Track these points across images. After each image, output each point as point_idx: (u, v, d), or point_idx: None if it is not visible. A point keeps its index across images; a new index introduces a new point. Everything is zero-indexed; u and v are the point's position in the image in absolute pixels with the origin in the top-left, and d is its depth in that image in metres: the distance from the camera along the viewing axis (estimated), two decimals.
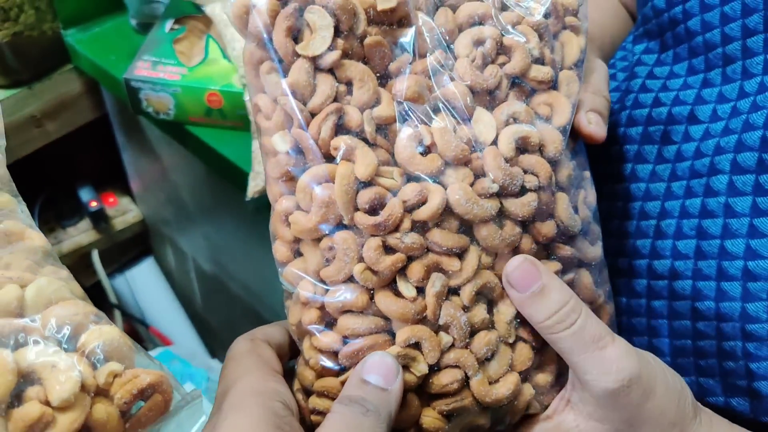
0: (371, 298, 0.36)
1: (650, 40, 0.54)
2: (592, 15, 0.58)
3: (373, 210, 0.36)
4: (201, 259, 1.22)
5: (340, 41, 0.36)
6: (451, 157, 0.37)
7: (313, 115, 0.36)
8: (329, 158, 0.36)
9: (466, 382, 0.37)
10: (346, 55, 0.36)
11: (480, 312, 0.37)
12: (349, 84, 0.37)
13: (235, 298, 1.17)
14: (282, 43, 0.35)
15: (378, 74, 0.38)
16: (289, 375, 0.40)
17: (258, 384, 0.36)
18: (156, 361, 0.33)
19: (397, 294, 0.36)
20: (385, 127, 0.37)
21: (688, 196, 0.46)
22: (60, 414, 0.29)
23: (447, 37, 0.39)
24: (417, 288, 0.36)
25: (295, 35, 0.36)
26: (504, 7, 0.40)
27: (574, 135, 0.43)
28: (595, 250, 0.43)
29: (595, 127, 0.43)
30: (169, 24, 0.91)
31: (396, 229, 0.35)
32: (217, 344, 1.37)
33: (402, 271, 0.36)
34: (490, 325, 0.38)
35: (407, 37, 0.38)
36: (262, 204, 0.80)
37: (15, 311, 0.31)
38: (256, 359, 0.38)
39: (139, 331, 1.36)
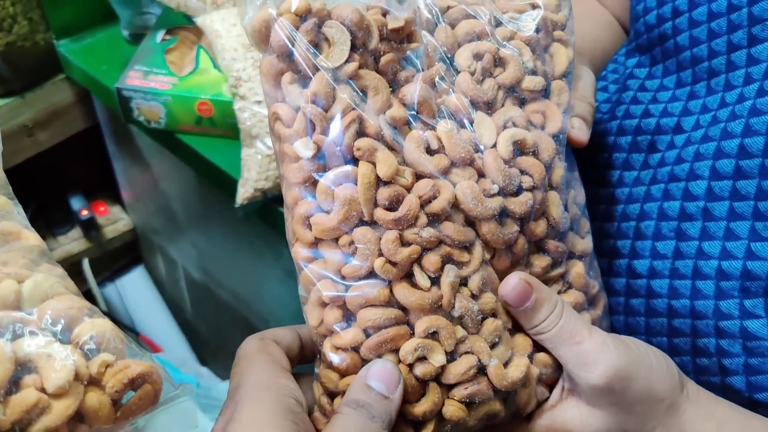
0: (391, 292, 0.38)
1: (641, 54, 0.56)
2: (586, 28, 0.61)
3: (391, 207, 0.38)
4: (191, 267, 1.23)
5: (356, 55, 0.39)
6: (458, 157, 0.40)
7: (335, 121, 0.38)
8: (352, 161, 0.38)
9: (480, 368, 0.39)
10: (361, 68, 0.39)
11: (489, 300, 0.40)
12: (363, 92, 0.39)
13: (224, 305, 1.18)
14: (305, 55, 0.38)
15: (390, 85, 0.40)
16: (300, 380, 0.41)
17: (271, 380, 0.37)
18: (147, 354, 0.35)
19: (414, 286, 0.38)
20: (398, 130, 0.40)
21: (665, 198, 0.48)
22: (55, 401, 0.30)
23: (447, 52, 0.42)
24: (432, 279, 0.39)
25: (315, 47, 0.39)
26: (498, 24, 0.43)
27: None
28: (584, 243, 0.46)
29: (578, 132, 0.46)
30: (160, 34, 0.93)
31: (413, 224, 0.38)
32: (206, 351, 1.38)
33: (418, 263, 0.38)
34: (494, 314, 0.41)
35: (414, 52, 0.41)
36: (251, 210, 0.81)
37: (13, 304, 0.32)
38: (267, 357, 0.39)
39: (129, 338, 1.37)
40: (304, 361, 0.43)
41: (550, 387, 0.43)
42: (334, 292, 0.38)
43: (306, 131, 0.39)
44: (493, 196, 0.40)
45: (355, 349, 0.38)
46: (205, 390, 1.07)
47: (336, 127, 0.38)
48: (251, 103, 0.78)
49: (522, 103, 0.43)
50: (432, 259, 0.38)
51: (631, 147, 0.52)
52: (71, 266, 1.28)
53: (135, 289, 1.40)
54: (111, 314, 1.35)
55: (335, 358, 0.39)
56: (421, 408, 0.38)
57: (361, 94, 0.39)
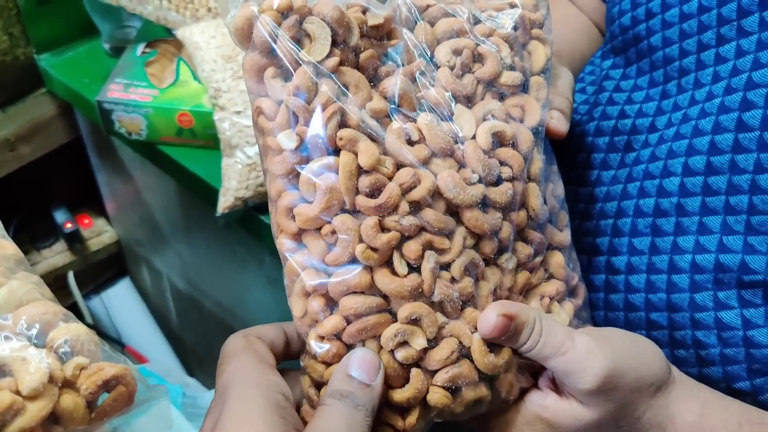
0: (372, 278, 0.39)
1: (616, 56, 0.58)
2: (563, 32, 0.63)
3: (372, 194, 0.39)
4: (175, 278, 1.23)
5: (337, 51, 0.40)
6: (438, 148, 0.41)
7: (317, 114, 0.39)
8: (334, 152, 0.39)
9: (462, 352, 0.40)
10: (342, 63, 0.40)
11: (468, 284, 0.41)
12: (345, 88, 0.40)
13: (209, 314, 1.18)
14: (287, 50, 0.39)
15: (370, 80, 0.42)
16: (286, 375, 0.41)
17: (258, 377, 0.38)
18: (121, 357, 0.36)
19: (395, 273, 0.39)
20: (379, 122, 0.41)
21: (641, 196, 0.49)
22: (29, 402, 0.31)
23: (427, 49, 0.43)
24: (412, 267, 0.39)
25: (297, 44, 0.40)
26: (477, 22, 0.45)
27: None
28: (563, 235, 0.48)
29: (556, 122, 0.47)
30: (141, 47, 0.93)
31: (394, 211, 0.39)
32: (193, 361, 1.38)
33: (399, 251, 0.39)
34: (474, 300, 0.42)
35: (395, 49, 0.43)
36: (232, 219, 0.82)
37: None
38: (252, 354, 0.40)
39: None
40: (290, 357, 0.43)
41: (534, 375, 0.44)
42: (317, 281, 0.39)
43: (289, 124, 0.40)
44: (473, 184, 0.41)
45: (339, 337, 0.39)
46: (191, 399, 1.08)
47: (318, 118, 0.39)
48: (231, 113, 0.79)
49: (501, 97, 0.45)
50: (412, 247, 0.39)
51: (609, 147, 0.54)
52: (56, 279, 1.28)
53: (121, 301, 1.40)
54: (97, 327, 1.35)
55: (319, 348, 0.39)
56: (405, 394, 0.39)
57: (343, 88, 0.40)
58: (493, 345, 0.41)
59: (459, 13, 0.44)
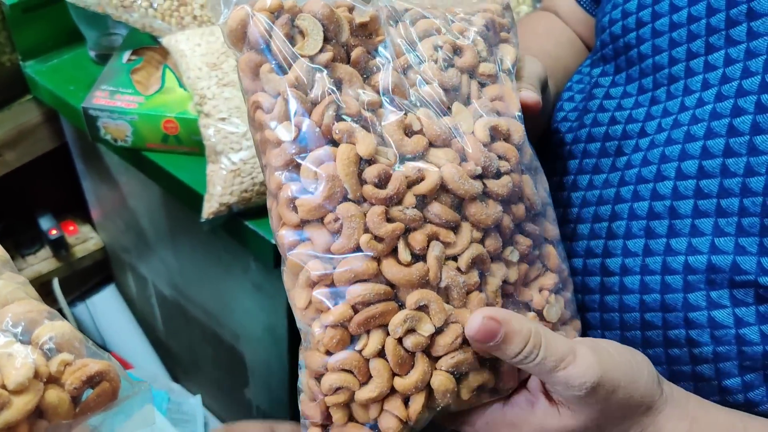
0: (379, 266, 0.40)
1: (605, 63, 0.59)
2: (547, 47, 0.65)
3: (380, 185, 0.40)
4: (161, 284, 1.24)
5: (329, 46, 0.41)
6: (436, 137, 0.42)
7: (313, 105, 0.40)
8: (331, 143, 0.40)
9: (465, 339, 0.41)
10: (334, 60, 0.41)
11: (474, 276, 0.42)
12: (338, 82, 0.41)
13: (195, 320, 1.18)
14: (282, 46, 0.40)
15: (361, 75, 0.43)
16: None
17: None
18: (105, 353, 0.37)
19: (401, 263, 0.40)
20: (374, 113, 0.42)
21: (635, 199, 0.50)
22: (15, 396, 0.32)
23: (410, 46, 0.45)
24: (417, 256, 0.40)
25: (290, 41, 0.41)
26: (452, 22, 0.47)
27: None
28: (554, 229, 0.49)
29: (525, 93, 0.48)
30: (126, 55, 0.94)
31: (399, 202, 0.40)
32: (178, 368, 1.38)
33: (404, 240, 0.40)
34: (480, 289, 0.42)
35: (382, 45, 0.44)
36: (217, 225, 0.83)
37: None
38: None
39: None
40: None
41: None
42: (323, 271, 0.39)
43: (287, 115, 0.40)
44: (475, 177, 0.42)
45: (344, 326, 0.39)
46: (176, 405, 1.08)
47: (315, 109, 0.40)
48: (216, 120, 0.80)
49: (481, 86, 0.46)
50: (418, 237, 0.40)
51: (600, 153, 0.55)
52: (41, 286, 1.27)
53: (106, 307, 1.40)
54: (82, 334, 1.34)
55: (324, 336, 0.39)
56: (411, 379, 0.39)
57: (336, 82, 0.41)
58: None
59: (435, 16, 0.46)
